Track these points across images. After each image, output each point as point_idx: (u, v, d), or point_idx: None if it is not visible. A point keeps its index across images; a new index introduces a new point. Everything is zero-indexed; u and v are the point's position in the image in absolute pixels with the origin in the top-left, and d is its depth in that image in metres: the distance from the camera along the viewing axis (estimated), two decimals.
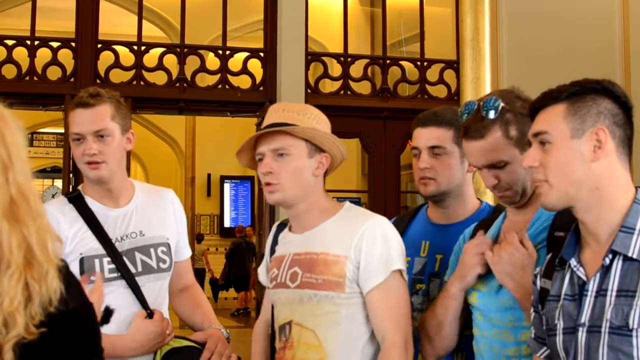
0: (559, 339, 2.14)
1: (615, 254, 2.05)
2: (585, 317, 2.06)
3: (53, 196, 22.06)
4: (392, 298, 2.60)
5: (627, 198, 2.10)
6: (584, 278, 2.10)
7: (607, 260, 2.05)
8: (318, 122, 2.73)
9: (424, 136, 3.10)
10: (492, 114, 2.59)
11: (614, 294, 2.01)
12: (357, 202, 9.06)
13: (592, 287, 2.07)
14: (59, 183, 23.63)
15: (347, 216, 2.72)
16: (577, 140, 2.11)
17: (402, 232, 3.16)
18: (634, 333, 1.95)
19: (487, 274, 2.63)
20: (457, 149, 3.05)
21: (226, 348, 3.04)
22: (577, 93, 2.15)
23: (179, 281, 3.35)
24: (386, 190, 8.63)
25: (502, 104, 2.58)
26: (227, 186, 18.60)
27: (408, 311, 2.65)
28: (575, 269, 2.14)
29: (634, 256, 2.01)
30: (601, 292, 2.04)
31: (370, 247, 2.60)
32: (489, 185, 2.66)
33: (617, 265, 2.04)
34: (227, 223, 18.45)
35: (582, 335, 2.06)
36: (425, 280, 3.08)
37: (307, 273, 2.66)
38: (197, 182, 18.58)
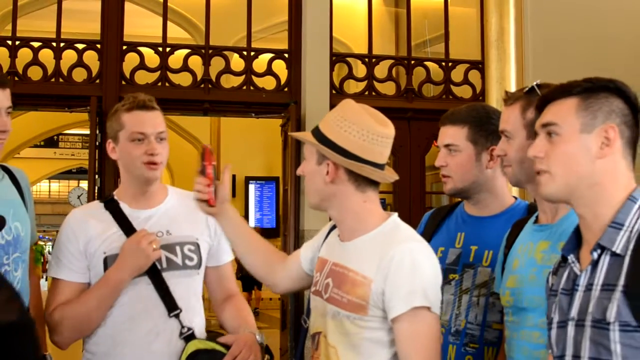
0: (554, 332, 2.17)
1: (603, 249, 2.07)
2: (574, 311, 2.09)
3: (78, 197, 22.20)
4: (418, 330, 2.47)
5: (623, 195, 2.12)
6: (578, 273, 2.14)
7: (596, 255, 2.08)
8: (342, 126, 2.63)
9: (441, 134, 3.21)
10: (526, 89, 2.68)
11: (599, 288, 2.04)
12: (381, 202, 9.04)
13: (582, 281, 2.11)
14: (84, 184, 23.74)
15: (384, 234, 2.61)
16: (586, 135, 2.13)
17: (439, 223, 3.29)
18: (610, 327, 1.98)
19: (518, 272, 2.63)
20: (472, 146, 3.10)
21: (252, 353, 3.03)
22: (590, 89, 2.17)
23: (221, 288, 3.39)
24: (411, 191, 8.61)
25: (536, 84, 2.66)
26: (252, 187, 18.59)
27: (436, 345, 2.51)
28: (572, 264, 2.17)
29: (618, 251, 2.04)
30: (589, 287, 2.08)
31: (394, 275, 2.47)
32: (496, 155, 2.86)
33: (605, 260, 2.06)
34: (251, 224, 18.43)
35: (571, 329, 2.09)
36: (459, 271, 3.10)
37: (336, 288, 2.61)
38: None
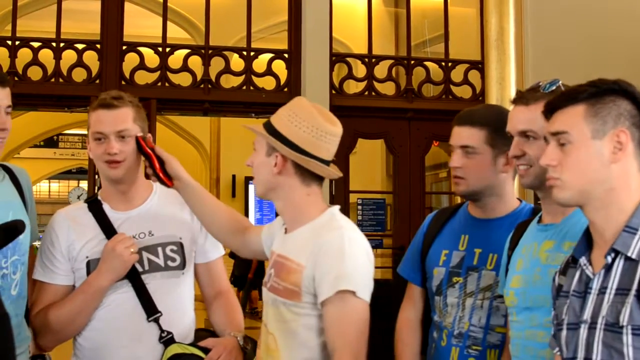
0: (564, 334, 2.18)
1: (617, 253, 2.09)
2: (587, 314, 2.11)
3: (78, 197, 22.22)
4: (344, 313, 2.55)
5: (636, 198, 2.13)
6: (591, 276, 2.15)
7: (609, 259, 2.10)
8: (292, 121, 2.73)
9: (457, 135, 3.13)
10: (548, 87, 2.65)
11: (613, 292, 2.06)
12: (381, 202, 9.03)
13: (595, 285, 2.12)
14: (84, 184, 23.75)
15: (320, 224, 2.71)
16: (598, 141, 2.14)
17: (442, 224, 3.28)
18: (624, 330, 1.99)
19: (522, 272, 2.64)
20: (490, 150, 3.06)
21: (232, 358, 3.05)
22: (595, 94, 2.17)
23: (212, 285, 3.38)
24: (411, 191, 8.60)
25: (562, 85, 2.62)
26: (252, 187, 18.57)
27: (362, 329, 2.58)
28: (584, 267, 2.18)
29: (633, 256, 2.05)
30: (602, 290, 2.09)
31: (322, 261, 2.57)
32: (512, 155, 2.74)
33: (619, 265, 2.08)
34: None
35: (583, 331, 2.10)
36: (462, 274, 3.10)
37: (276, 277, 2.72)
38: (222, 183, 18.61)
